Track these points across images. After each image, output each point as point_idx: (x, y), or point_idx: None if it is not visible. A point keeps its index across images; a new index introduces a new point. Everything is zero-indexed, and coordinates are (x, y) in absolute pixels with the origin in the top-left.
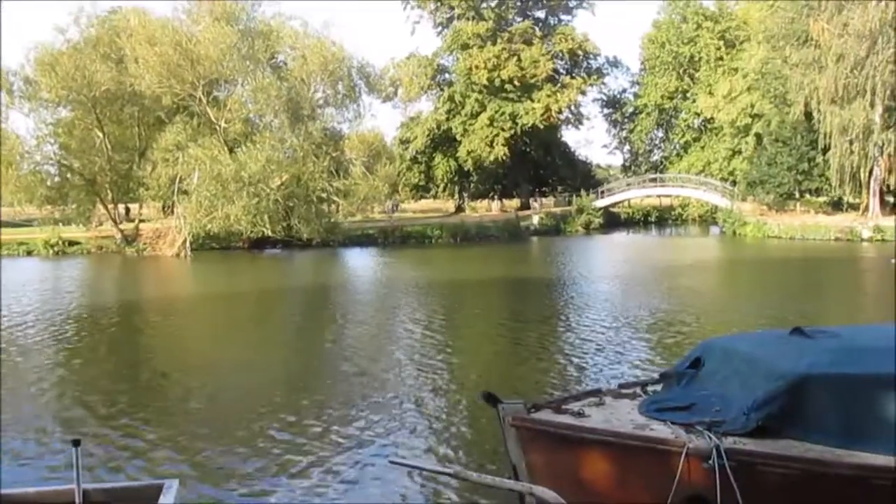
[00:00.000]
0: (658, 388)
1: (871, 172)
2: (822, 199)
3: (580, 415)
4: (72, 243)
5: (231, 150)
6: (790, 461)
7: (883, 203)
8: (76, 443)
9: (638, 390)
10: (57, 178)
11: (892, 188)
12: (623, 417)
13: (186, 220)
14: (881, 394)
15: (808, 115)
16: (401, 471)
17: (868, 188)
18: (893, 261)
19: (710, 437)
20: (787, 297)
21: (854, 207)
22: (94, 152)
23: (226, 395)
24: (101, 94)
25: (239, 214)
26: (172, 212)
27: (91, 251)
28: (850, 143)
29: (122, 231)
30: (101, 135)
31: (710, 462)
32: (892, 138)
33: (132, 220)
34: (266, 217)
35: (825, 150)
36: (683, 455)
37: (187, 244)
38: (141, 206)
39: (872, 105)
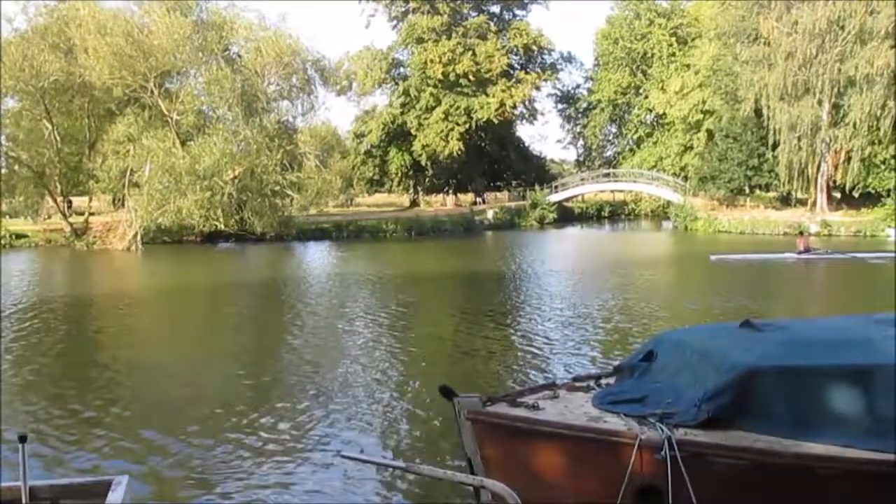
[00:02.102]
0: (612, 380)
1: (818, 168)
2: (771, 194)
3: (535, 408)
4: (19, 236)
5: (183, 143)
6: (739, 451)
7: (830, 198)
8: (22, 439)
9: (592, 383)
10: (4, 170)
11: (838, 184)
12: (577, 410)
13: (137, 214)
14: (828, 385)
15: (758, 112)
16: (352, 465)
17: (816, 184)
18: (713, 258)
19: (662, 429)
20: (734, 291)
21: (802, 203)
22: (43, 144)
23: (174, 392)
24: (50, 85)
25: (191, 208)
26: (123, 205)
27: (39, 244)
28: (799, 139)
29: (71, 224)
30: (49, 126)
31: (662, 453)
32: (839, 135)
33: (81, 214)
34: (219, 210)
35: (774, 146)
36: (636, 447)
37: (138, 238)
38: (91, 199)
39: (820, 102)
